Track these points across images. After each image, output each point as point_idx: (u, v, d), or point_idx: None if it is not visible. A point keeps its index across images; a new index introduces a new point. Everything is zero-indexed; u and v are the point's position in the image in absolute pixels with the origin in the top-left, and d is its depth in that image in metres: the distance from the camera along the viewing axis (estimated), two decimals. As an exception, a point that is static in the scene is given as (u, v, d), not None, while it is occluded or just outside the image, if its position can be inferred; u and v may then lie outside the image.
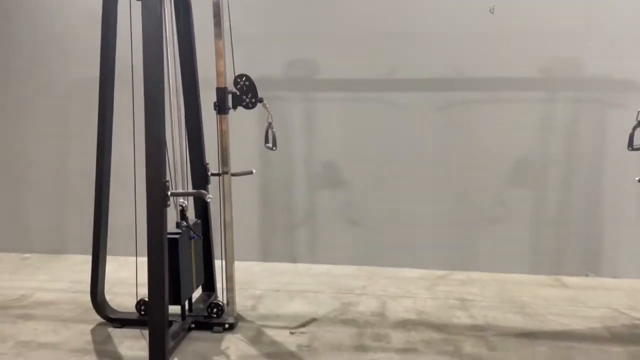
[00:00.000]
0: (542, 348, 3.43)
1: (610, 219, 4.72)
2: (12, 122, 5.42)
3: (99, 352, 3.40)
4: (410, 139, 4.88)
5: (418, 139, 4.87)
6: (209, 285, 4.08)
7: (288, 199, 5.14)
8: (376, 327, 3.76)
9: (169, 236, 3.32)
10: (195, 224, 3.77)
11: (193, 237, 3.70)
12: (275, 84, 4.85)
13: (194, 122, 3.88)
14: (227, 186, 3.74)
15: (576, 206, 4.74)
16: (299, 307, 4.12)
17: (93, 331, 3.70)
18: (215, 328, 3.66)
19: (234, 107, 3.63)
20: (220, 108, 3.62)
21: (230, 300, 3.82)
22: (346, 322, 3.83)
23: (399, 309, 4.06)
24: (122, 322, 3.75)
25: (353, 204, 5.05)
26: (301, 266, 5.10)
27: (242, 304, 4.08)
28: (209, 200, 3.46)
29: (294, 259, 5.18)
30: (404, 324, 3.80)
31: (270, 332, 3.67)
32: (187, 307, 3.72)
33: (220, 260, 3.80)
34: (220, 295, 3.96)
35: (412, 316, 3.94)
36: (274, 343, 3.52)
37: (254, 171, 4.01)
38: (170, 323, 3.38)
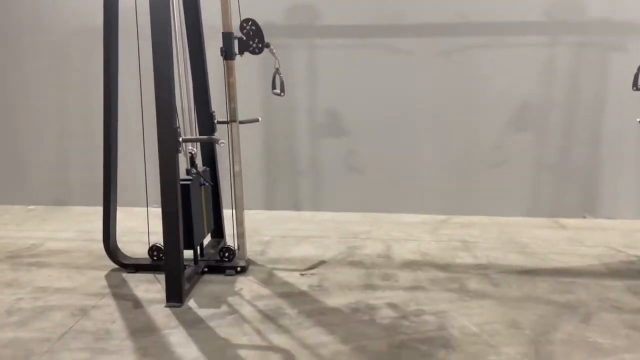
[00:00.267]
0: (543, 284, 3.56)
1: (608, 162, 4.82)
2: (13, 73, 5.35)
3: (115, 295, 3.49)
4: (412, 85, 4.89)
5: (420, 85, 4.89)
6: (218, 232, 4.16)
7: (291, 147, 5.18)
8: (383, 268, 3.87)
9: (181, 182, 3.37)
10: (204, 171, 3.81)
11: (203, 184, 3.74)
12: (277, 31, 4.80)
13: (199, 71, 3.85)
14: (236, 134, 3.76)
15: (575, 149, 4.83)
16: (307, 251, 4.22)
17: (107, 276, 3.78)
18: (228, 271, 3.76)
19: (241, 52, 3.60)
20: (227, 53, 3.58)
21: (241, 245, 3.91)
22: (354, 264, 3.95)
23: (404, 252, 4.17)
24: (136, 267, 3.83)
25: (355, 151, 5.10)
26: (306, 214, 5.19)
27: (251, 249, 4.17)
28: (221, 145, 3.46)
29: (298, 207, 5.26)
30: (409, 265, 3.92)
31: (281, 274, 3.77)
32: (198, 252, 3.80)
33: (230, 208, 3.86)
34: (229, 242, 4.05)
35: (417, 257, 4.05)
36: (285, 284, 3.63)
37: (260, 119, 4.04)
38: (184, 267, 3.46)
